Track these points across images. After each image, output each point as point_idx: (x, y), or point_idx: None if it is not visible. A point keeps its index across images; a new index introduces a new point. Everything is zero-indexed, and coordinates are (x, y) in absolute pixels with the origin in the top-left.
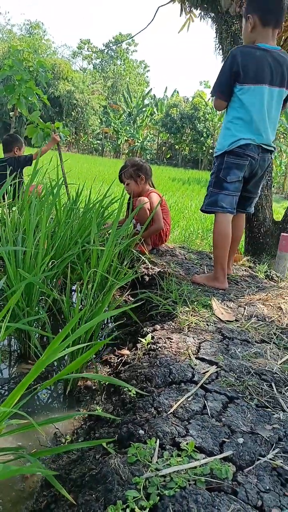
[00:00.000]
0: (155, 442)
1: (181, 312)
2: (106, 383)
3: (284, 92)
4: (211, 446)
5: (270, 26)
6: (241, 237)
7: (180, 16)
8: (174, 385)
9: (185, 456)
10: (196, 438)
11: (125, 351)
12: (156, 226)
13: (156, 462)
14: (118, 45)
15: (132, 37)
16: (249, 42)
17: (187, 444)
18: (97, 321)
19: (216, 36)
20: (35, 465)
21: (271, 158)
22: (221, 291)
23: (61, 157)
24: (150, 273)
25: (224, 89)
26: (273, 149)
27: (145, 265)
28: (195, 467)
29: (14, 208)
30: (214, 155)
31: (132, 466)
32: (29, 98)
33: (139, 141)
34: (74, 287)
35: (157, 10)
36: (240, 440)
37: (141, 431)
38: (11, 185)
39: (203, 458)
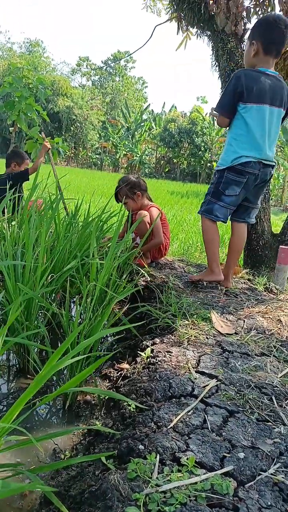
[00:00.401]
0: (155, 458)
1: (180, 325)
2: (106, 398)
3: (282, 112)
4: (212, 461)
5: (271, 55)
6: (243, 247)
7: (177, 34)
8: (174, 399)
9: (185, 471)
10: (196, 453)
11: (125, 365)
12: (156, 241)
13: (156, 477)
14: (117, 62)
15: (130, 54)
16: (250, 65)
17: (187, 459)
18: (96, 337)
19: (213, 53)
20: (35, 482)
21: (272, 172)
22: (220, 304)
23: (54, 168)
24: (149, 286)
25: (228, 107)
26: (273, 163)
27: (144, 278)
28: (196, 483)
29: (13, 223)
30: (215, 169)
31: (132, 482)
32: (29, 114)
33: (138, 155)
34: (73, 301)
35: (154, 28)
36: (241, 455)
37: (141, 446)
38: (10, 199)
39: (204, 474)
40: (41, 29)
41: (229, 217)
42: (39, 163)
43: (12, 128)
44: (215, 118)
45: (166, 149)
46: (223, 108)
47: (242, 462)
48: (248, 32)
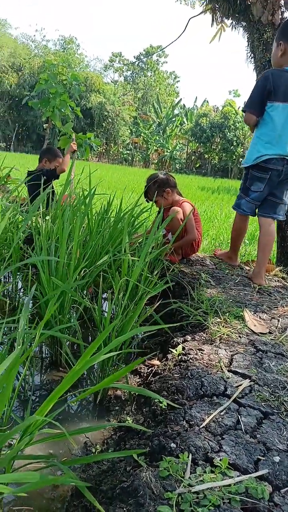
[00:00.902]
0: (188, 457)
1: (212, 323)
2: (136, 394)
3: None
4: (246, 463)
5: None
6: (272, 243)
7: (212, 26)
8: (206, 398)
9: (218, 472)
10: (229, 454)
11: (156, 362)
12: (190, 237)
13: (189, 477)
14: (149, 57)
15: (163, 49)
16: (277, 65)
17: (220, 460)
18: (130, 335)
19: (248, 44)
20: (68, 475)
21: None
22: (253, 302)
23: (73, 164)
24: (181, 283)
25: (257, 105)
26: None
27: (175, 274)
28: (229, 485)
29: (47, 218)
30: (242, 166)
31: (164, 480)
32: (63, 110)
33: (169, 151)
34: (104, 296)
35: (188, 21)
36: (276, 459)
37: (173, 445)
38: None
39: (238, 476)
40: (75, 26)
41: (256, 211)
42: (66, 164)
43: (46, 124)
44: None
45: (197, 144)
46: (252, 106)
47: (278, 466)
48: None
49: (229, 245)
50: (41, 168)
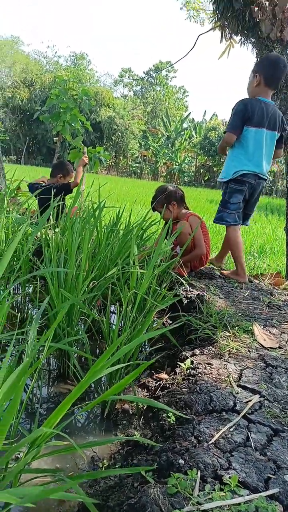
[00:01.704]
0: (196, 474)
1: (221, 337)
2: (144, 407)
3: (276, 135)
4: (256, 481)
5: (270, 87)
6: (239, 242)
7: (221, 42)
8: (214, 414)
9: (228, 490)
10: (239, 472)
11: (164, 375)
12: (198, 251)
13: (198, 495)
14: (158, 73)
15: (172, 65)
16: (252, 94)
17: (230, 478)
18: (136, 343)
19: (257, 60)
20: (77, 491)
21: (264, 184)
22: (263, 316)
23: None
24: (189, 296)
25: (237, 128)
26: (266, 177)
27: (183, 287)
28: (239, 504)
29: (57, 230)
30: (219, 181)
31: (172, 497)
32: (73, 125)
33: (177, 164)
34: (112, 308)
35: (198, 38)
36: (287, 478)
37: (181, 461)
38: (54, 207)
39: (247, 495)
40: (86, 42)
41: (240, 221)
42: (79, 177)
43: (57, 138)
44: None
45: (206, 157)
46: (234, 128)
47: None
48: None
49: (234, 262)
50: (55, 182)
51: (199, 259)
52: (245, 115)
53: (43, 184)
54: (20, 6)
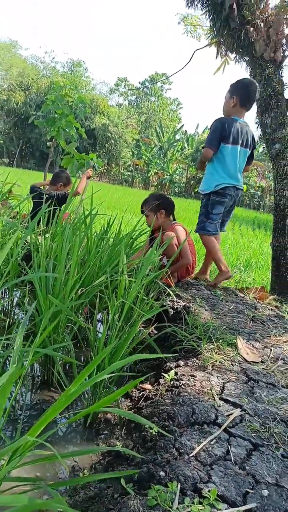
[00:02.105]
0: (176, 486)
1: (205, 349)
2: (127, 418)
3: (248, 152)
4: (234, 496)
5: (245, 108)
6: (214, 247)
7: (216, 58)
8: (196, 426)
9: (206, 504)
10: (218, 485)
11: (147, 386)
12: (184, 261)
13: (177, 508)
14: (153, 84)
15: (168, 77)
16: (227, 113)
17: (209, 491)
18: (125, 362)
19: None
20: (57, 500)
21: (240, 194)
22: (246, 330)
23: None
24: (175, 307)
25: (215, 145)
26: (242, 188)
27: (170, 298)
28: None
29: (47, 235)
30: (201, 193)
31: (151, 510)
32: (67, 130)
33: (169, 174)
34: (99, 316)
35: (194, 53)
36: (265, 492)
37: (162, 473)
38: (45, 213)
39: (226, 509)
40: (75, 26)
41: (219, 229)
42: (81, 188)
43: (51, 142)
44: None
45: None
46: (212, 145)
47: (266, 500)
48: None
49: (216, 266)
50: (55, 190)
51: (186, 269)
52: (222, 133)
53: (42, 190)
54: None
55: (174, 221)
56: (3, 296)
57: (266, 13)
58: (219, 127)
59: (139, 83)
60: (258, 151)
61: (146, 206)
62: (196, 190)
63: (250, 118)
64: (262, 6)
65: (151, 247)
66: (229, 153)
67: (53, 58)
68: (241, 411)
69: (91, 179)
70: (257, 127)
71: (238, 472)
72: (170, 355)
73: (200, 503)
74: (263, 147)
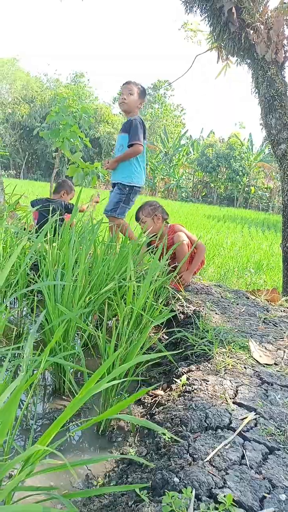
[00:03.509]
0: (191, 492)
1: (217, 353)
2: (139, 425)
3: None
4: (251, 501)
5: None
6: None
7: (217, 63)
8: (210, 431)
9: (222, 509)
10: (234, 490)
11: (159, 391)
12: (200, 255)
13: None
14: (156, 92)
15: (170, 83)
16: (134, 111)
17: (224, 496)
18: (133, 363)
19: (253, 80)
20: (71, 511)
21: None
22: (258, 332)
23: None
24: (185, 312)
25: (142, 141)
26: None
27: (180, 302)
28: None
29: (54, 244)
30: (121, 182)
31: None
32: (72, 141)
33: (175, 180)
34: (109, 323)
35: (195, 58)
36: (283, 497)
37: (176, 479)
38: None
39: None
40: (86, 60)
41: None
42: (85, 209)
43: (56, 153)
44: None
45: (203, 173)
46: (141, 140)
47: (284, 504)
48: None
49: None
50: (58, 198)
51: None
52: (144, 130)
53: (44, 198)
54: (27, 22)
55: (172, 224)
56: (12, 305)
57: (266, 15)
58: (141, 126)
59: None
60: (264, 152)
61: (144, 211)
62: (203, 194)
63: (254, 119)
64: (261, 9)
65: (150, 251)
66: (145, 149)
67: (56, 70)
68: (255, 414)
69: (96, 187)
70: (262, 129)
71: (254, 477)
72: (181, 359)
73: (216, 509)
74: (269, 148)
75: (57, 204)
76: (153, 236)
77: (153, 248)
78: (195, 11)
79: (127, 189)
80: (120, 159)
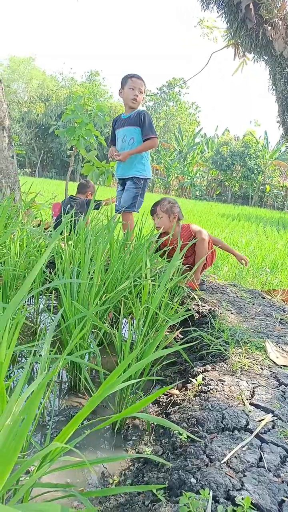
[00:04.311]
0: (209, 494)
1: (233, 353)
2: (155, 424)
3: None
4: (269, 504)
5: None
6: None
7: (234, 60)
8: (227, 432)
9: None
10: (252, 493)
11: (175, 391)
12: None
13: None
14: (171, 89)
15: (185, 81)
16: (136, 105)
17: (242, 499)
18: (149, 360)
19: (270, 77)
20: (90, 510)
21: None
22: (275, 333)
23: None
24: (201, 311)
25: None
26: None
27: (195, 302)
28: None
29: (70, 242)
30: (142, 177)
31: None
32: (87, 139)
33: (189, 178)
34: (124, 321)
35: (211, 55)
36: None
37: (193, 480)
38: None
39: None
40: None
41: None
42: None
43: (71, 151)
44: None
45: (218, 171)
46: (156, 134)
47: None
48: None
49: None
50: (85, 198)
51: (210, 257)
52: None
53: (70, 196)
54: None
55: (184, 224)
56: (29, 303)
57: (284, 10)
58: (151, 117)
59: (157, 88)
60: (280, 150)
61: (162, 207)
62: (218, 192)
63: (270, 117)
64: (279, 4)
65: (161, 249)
66: None
67: (71, 68)
68: (272, 416)
69: (111, 186)
70: (279, 126)
71: (273, 480)
72: (196, 359)
73: (234, 511)
74: (286, 146)
75: (83, 202)
76: (163, 233)
77: (161, 247)
78: (212, 7)
79: (142, 182)
80: (136, 151)
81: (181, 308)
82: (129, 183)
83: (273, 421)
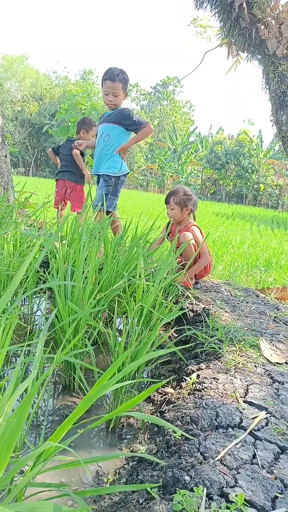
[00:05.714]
0: (203, 491)
1: (227, 351)
2: (149, 422)
3: None
4: (263, 500)
5: None
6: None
7: (227, 59)
8: (221, 429)
9: (234, 509)
10: (245, 490)
11: (169, 389)
12: (203, 261)
13: None
14: (165, 88)
15: (179, 80)
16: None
17: (236, 496)
18: (143, 360)
19: (263, 76)
20: (84, 509)
21: None
22: (269, 331)
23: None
24: (195, 309)
25: None
26: None
27: (189, 300)
28: None
29: (64, 242)
30: (113, 175)
31: None
32: None
33: (183, 177)
34: (118, 321)
35: (205, 54)
36: None
37: (187, 477)
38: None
39: None
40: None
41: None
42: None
43: None
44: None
45: (212, 170)
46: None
47: None
48: None
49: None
50: (79, 138)
51: (204, 268)
52: None
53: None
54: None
55: (192, 221)
56: (23, 303)
57: (277, 10)
58: (133, 112)
59: (151, 87)
60: (274, 149)
61: (176, 198)
62: (212, 191)
63: (264, 116)
64: (272, 3)
65: (168, 237)
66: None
67: (65, 67)
68: (266, 413)
69: None
70: (272, 125)
71: (266, 476)
72: (191, 357)
73: (228, 508)
74: (279, 145)
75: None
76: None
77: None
78: (205, 6)
79: (113, 179)
80: (135, 141)
81: (175, 306)
82: (100, 181)
83: (266, 418)
